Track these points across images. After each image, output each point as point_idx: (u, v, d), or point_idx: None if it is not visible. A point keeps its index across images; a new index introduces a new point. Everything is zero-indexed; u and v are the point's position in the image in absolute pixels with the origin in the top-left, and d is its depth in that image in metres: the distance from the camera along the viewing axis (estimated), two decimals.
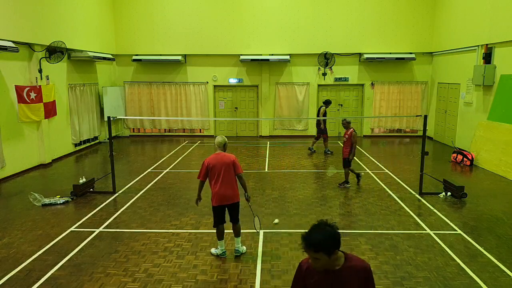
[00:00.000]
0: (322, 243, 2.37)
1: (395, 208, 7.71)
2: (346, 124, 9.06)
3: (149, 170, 10.78)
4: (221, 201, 5.50)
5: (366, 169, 10.84)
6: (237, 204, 5.64)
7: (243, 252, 5.80)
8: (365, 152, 13.08)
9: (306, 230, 2.46)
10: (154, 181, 9.69)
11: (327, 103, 13.01)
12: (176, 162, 11.67)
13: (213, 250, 5.82)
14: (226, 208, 5.62)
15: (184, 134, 16.52)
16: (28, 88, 10.27)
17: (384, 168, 10.87)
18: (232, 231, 5.80)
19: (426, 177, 9.10)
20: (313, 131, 16.41)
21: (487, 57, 11.47)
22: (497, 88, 11.12)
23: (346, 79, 15.94)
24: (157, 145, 14.83)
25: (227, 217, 5.70)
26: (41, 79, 10.91)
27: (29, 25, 10.27)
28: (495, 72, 11.23)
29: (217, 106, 16.39)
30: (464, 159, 11.33)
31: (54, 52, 10.93)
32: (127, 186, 9.23)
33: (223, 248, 5.75)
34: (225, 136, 5.80)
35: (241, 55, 15.41)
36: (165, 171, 10.60)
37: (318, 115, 13.21)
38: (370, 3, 15.19)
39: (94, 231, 6.61)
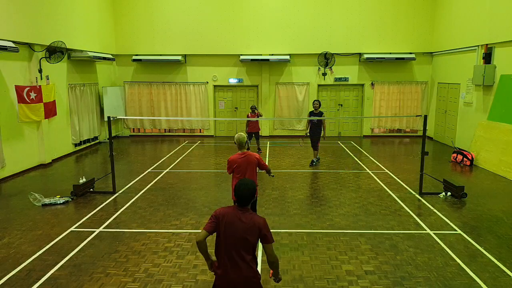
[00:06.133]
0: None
1: (395, 208, 7.71)
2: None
3: (149, 170, 10.78)
4: None
5: (366, 169, 10.84)
6: (254, 200, 6.01)
7: None
8: (365, 152, 13.09)
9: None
10: (154, 181, 9.69)
11: None
12: (176, 162, 11.67)
13: None
14: None
15: (184, 134, 16.52)
16: (28, 88, 10.26)
17: (384, 168, 10.87)
18: None
19: (426, 177, 9.11)
20: None
21: (487, 57, 11.47)
22: (497, 88, 11.12)
23: (346, 79, 15.94)
24: (157, 145, 14.83)
25: None
26: (41, 79, 10.92)
27: (29, 25, 10.27)
28: (495, 72, 11.23)
29: (217, 106, 16.39)
30: (464, 159, 11.32)
31: (54, 52, 10.93)
32: (127, 186, 9.23)
33: None
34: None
35: (241, 55, 15.41)
36: (165, 171, 10.60)
37: None
38: (370, 3, 15.20)
39: (94, 231, 6.61)
